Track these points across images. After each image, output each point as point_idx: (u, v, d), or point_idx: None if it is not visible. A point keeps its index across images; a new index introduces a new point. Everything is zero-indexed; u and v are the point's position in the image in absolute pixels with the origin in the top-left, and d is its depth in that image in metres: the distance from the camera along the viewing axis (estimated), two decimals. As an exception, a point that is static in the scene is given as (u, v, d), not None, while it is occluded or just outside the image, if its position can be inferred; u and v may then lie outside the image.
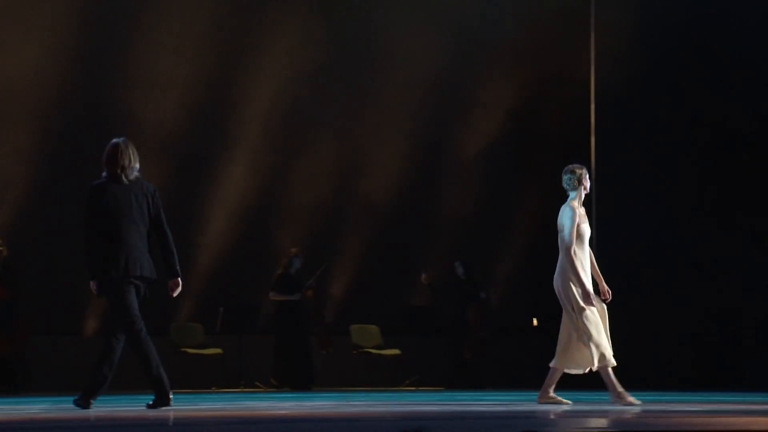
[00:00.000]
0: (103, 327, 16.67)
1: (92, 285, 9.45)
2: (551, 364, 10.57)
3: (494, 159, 18.78)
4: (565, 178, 10.56)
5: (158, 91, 16.88)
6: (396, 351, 16.90)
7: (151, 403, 9.46)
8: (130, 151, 9.36)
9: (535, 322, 18.53)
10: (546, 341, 18.38)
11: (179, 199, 17.09)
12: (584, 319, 10.34)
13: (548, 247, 18.48)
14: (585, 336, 10.30)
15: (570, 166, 10.63)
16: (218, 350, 16.35)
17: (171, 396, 9.39)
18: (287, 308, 15.95)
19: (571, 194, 10.57)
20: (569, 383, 12.66)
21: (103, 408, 10.00)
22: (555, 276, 10.57)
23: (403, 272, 17.76)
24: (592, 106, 17.90)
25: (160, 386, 9.33)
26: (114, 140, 9.46)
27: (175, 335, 16.47)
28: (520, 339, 18.26)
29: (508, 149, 18.93)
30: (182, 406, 10.86)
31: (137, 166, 9.37)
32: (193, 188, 17.29)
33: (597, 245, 17.45)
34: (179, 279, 9.48)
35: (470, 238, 18.48)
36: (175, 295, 9.51)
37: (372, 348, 16.94)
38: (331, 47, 17.75)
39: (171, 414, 8.93)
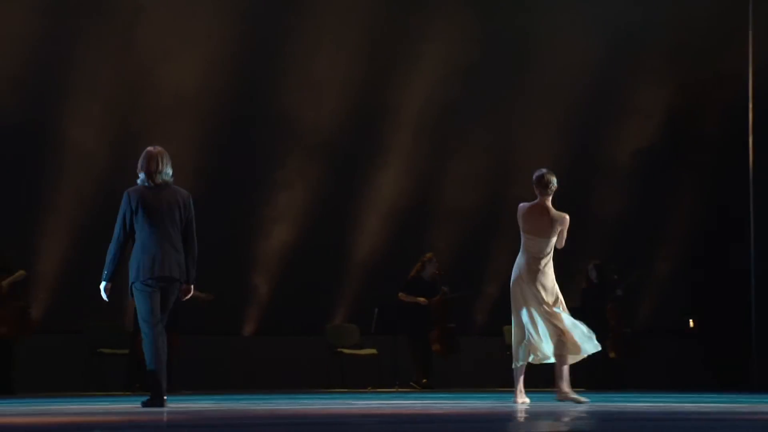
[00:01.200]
0: (261, 327, 17.01)
1: (104, 286, 9.67)
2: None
3: (649, 160, 18.58)
4: (544, 183, 10.66)
5: (316, 94, 17.13)
6: (551, 352, 16.81)
7: (145, 401, 9.63)
8: (158, 158, 9.63)
9: (691, 323, 18.29)
10: (703, 342, 18.22)
11: (335, 200, 17.33)
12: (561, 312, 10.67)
13: (703, 248, 18.33)
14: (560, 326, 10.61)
15: (545, 172, 10.69)
16: (373, 350, 16.52)
17: (165, 398, 9.61)
18: (412, 310, 16.09)
19: (548, 198, 10.64)
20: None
21: (265, 405, 10.21)
22: (536, 275, 10.63)
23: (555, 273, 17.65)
24: (750, 105, 17.57)
25: (158, 387, 9.54)
26: (147, 148, 9.76)
27: (331, 335, 16.69)
28: (675, 340, 18.05)
29: (664, 150, 18.70)
30: (338, 404, 11.01)
31: (168, 171, 9.65)
32: (349, 189, 17.49)
33: (755, 247, 17.14)
34: (191, 286, 9.73)
35: (624, 239, 18.31)
36: (183, 299, 9.78)
37: (525, 349, 16.88)
38: (483, 49, 17.76)
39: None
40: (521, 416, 8.89)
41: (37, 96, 15.86)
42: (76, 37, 16.02)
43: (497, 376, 16.95)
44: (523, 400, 10.71)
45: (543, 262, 10.64)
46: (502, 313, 17.58)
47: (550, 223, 10.60)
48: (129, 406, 10.56)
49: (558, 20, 17.97)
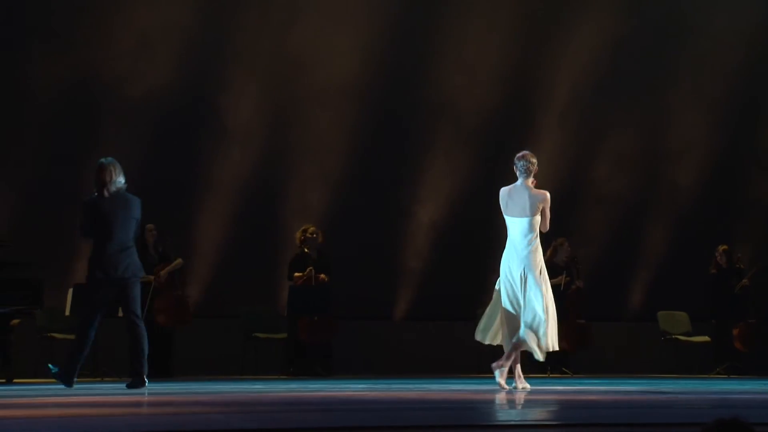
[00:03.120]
0: (412, 312, 17.07)
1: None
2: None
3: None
4: (522, 163, 10.66)
5: (466, 77, 17.08)
6: (705, 338, 16.54)
7: (129, 384, 10.67)
8: (111, 169, 10.78)
9: None
10: None
11: (485, 183, 17.23)
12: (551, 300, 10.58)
13: None
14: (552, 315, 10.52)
15: (527, 153, 10.71)
16: (522, 335, 16.40)
17: (146, 381, 10.61)
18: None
19: (528, 178, 10.62)
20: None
21: (415, 389, 10.23)
22: (524, 258, 10.50)
23: (709, 258, 17.31)
24: None
25: (139, 370, 10.60)
26: (100, 160, 10.90)
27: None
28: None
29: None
30: (488, 389, 11.01)
31: (121, 180, 10.77)
32: (499, 171, 17.35)
33: None
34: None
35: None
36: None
37: (680, 335, 16.64)
38: (636, 26, 17.45)
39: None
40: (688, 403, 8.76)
41: (199, 77, 16.15)
42: (238, 21, 16.30)
43: (653, 362, 16.74)
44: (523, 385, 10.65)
45: (528, 244, 10.45)
46: (656, 297, 17.42)
47: (530, 202, 10.56)
48: (285, 389, 10.72)
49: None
